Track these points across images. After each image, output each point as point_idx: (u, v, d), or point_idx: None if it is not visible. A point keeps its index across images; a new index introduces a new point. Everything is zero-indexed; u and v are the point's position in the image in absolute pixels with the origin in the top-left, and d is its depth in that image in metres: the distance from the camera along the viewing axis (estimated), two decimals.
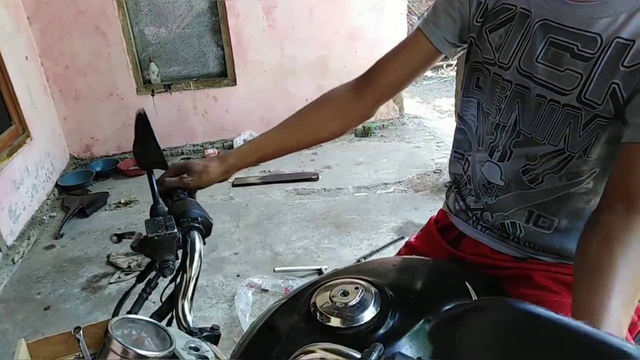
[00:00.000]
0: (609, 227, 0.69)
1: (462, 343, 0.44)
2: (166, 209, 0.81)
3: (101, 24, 3.82)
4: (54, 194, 3.59)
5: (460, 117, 1.00)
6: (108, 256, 2.80)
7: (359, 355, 0.49)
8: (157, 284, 0.75)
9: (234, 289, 2.44)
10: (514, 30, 0.82)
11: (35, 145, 3.43)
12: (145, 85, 4.12)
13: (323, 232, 3.00)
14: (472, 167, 0.97)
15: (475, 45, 0.90)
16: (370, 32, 4.37)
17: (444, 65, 6.99)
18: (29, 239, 2.99)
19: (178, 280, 0.78)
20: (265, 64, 4.25)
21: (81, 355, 2.19)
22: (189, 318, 0.74)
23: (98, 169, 3.95)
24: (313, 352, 0.55)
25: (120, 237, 0.77)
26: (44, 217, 3.28)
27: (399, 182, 3.62)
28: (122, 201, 3.48)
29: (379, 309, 0.71)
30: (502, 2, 0.85)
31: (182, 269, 0.77)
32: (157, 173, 0.85)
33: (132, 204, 3.47)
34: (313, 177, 3.75)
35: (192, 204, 0.84)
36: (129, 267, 2.67)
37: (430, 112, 5.47)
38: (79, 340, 2.13)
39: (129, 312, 0.68)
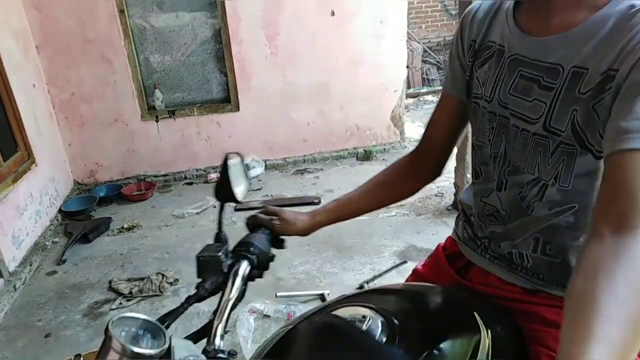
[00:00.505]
0: (595, 257, 0.62)
1: None
2: (227, 239, 0.88)
3: (107, 53, 3.91)
4: (57, 220, 3.60)
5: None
6: (110, 282, 2.79)
7: None
8: (193, 302, 0.77)
9: (235, 315, 2.43)
10: (493, 65, 0.88)
11: (40, 171, 3.47)
12: (150, 111, 4.18)
13: (325, 257, 2.99)
14: (476, 199, 1.00)
15: (469, 82, 0.95)
16: (371, 57, 4.45)
17: None
18: (31, 265, 2.99)
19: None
20: (268, 90, 4.32)
21: None
22: (217, 340, 0.75)
23: (102, 194, 3.97)
24: None
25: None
26: (47, 243, 3.29)
27: (401, 205, 3.62)
28: (125, 226, 3.49)
29: (386, 338, 0.71)
30: (486, 40, 0.90)
31: (222, 294, 0.79)
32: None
33: (135, 229, 3.47)
34: (315, 200, 3.72)
35: (259, 238, 0.91)
36: (130, 292, 2.66)
37: None
38: None
39: (163, 322, 0.70)
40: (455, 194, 3.51)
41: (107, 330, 0.60)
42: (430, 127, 1.06)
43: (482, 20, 0.91)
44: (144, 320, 0.65)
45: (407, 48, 4.85)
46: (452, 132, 1.05)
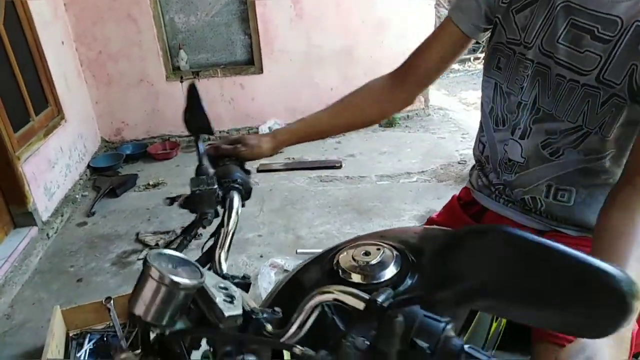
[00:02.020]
0: (630, 200, 0.71)
1: (462, 269, 0.47)
2: (211, 170, 0.87)
3: (133, 11, 3.92)
4: (86, 175, 3.72)
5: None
6: (137, 234, 2.89)
7: (367, 297, 0.53)
8: (196, 233, 0.80)
9: (257, 268, 2.50)
10: (538, 11, 0.85)
11: (69, 127, 3.56)
12: (175, 72, 4.21)
13: (345, 218, 3.03)
14: (490, 147, 1.00)
15: (500, 25, 0.92)
16: (397, 22, 4.36)
17: (472, 58, 6.90)
18: (62, 216, 3.12)
19: (217, 235, 0.84)
20: (292, 53, 4.29)
21: (111, 324, 2.28)
22: (224, 266, 0.79)
23: (128, 152, 4.07)
24: (329, 292, 0.59)
25: (172, 200, 0.84)
26: (77, 196, 3.41)
27: (423, 171, 3.62)
28: (151, 183, 3.58)
29: (399, 269, 0.74)
30: None
31: (221, 224, 0.82)
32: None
33: (160, 185, 3.56)
34: (336, 164, 3.78)
35: (235, 169, 0.90)
36: (156, 244, 2.76)
37: (456, 104, 5.42)
38: (109, 309, 2.22)
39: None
40: (470, 175, 3.47)
41: (145, 261, 0.64)
42: (420, 51, 1.02)
43: None
44: (179, 257, 0.69)
45: (435, 15, 4.73)
46: (441, 62, 1.01)
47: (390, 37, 4.38)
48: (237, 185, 0.86)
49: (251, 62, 4.34)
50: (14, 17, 3.02)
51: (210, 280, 0.72)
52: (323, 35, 4.27)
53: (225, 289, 0.73)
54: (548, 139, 0.88)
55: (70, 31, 3.86)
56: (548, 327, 0.51)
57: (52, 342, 1.86)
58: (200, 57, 4.29)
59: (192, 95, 0.87)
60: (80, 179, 3.61)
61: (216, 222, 0.85)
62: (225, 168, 0.90)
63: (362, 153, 4.01)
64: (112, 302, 2.06)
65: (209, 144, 0.95)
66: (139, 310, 0.65)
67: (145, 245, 2.78)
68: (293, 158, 3.92)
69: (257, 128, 4.37)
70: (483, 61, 0.99)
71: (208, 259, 0.82)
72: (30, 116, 3.07)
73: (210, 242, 0.81)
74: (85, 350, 1.98)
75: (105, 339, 2.03)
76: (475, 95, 5.54)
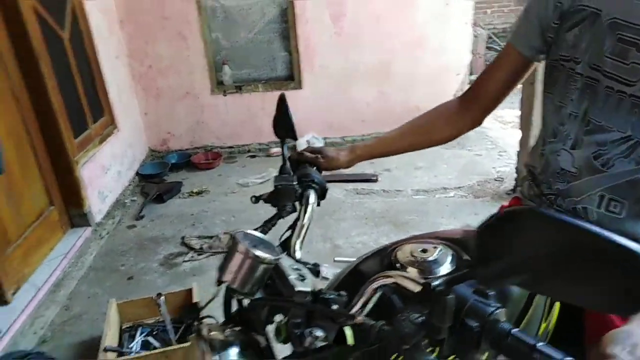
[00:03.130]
0: None
1: (498, 251, 0.50)
2: (291, 171, 0.99)
3: (183, 30, 4.16)
4: (134, 181, 3.93)
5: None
6: (183, 238, 3.04)
7: (423, 281, 0.60)
8: (275, 223, 0.91)
9: None
10: (586, 28, 0.91)
11: (121, 136, 3.78)
12: (219, 86, 4.42)
13: (381, 230, 3.09)
14: (545, 158, 1.05)
15: (553, 44, 0.99)
16: (434, 40, 4.44)
17: None
18: (113, 218, 3.31)
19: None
20: (330, 69, 4.43)
21: (160, 319, 2.43)
22: (298, 254, 0.89)
23: (173, 161, 4.27)
24: (389, 276, 0.67)
25: (257, 198, 0.95)
26: (126, 201, 3.61)
27: (459, 187, 3.65)
28: (195, 191, 3.75)
29: (454, 267, 0.79)
30: (577, 4, 0.93)
31: (298, 217, 0.92)
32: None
33: (204, 193, 3.73)
34: (372, 178, 3.81)
35: (314, 171, 1.02)
36: (200, 248, 2.90)
37: (493, 122, 5.41)
38: (159, 305, 2.36)
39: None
40: (516, 179, 3.49)
41: (234, 237, 0.74)
42: (485, 75, 1.10)
43: None
44: (261, 238, 0.79)
45: (472, 33, 4.79)
46: (505, 86, 1.08)
47: (427, 54, 4.47)
48: (314, 185, 0.97)
49: (291, 78, 4.50)
50: (77, 32, 3.27)
51: (286, 261, 0.82)
52: (361, 51, 4.40)
53: (298, 270, 0.82)
54: (599, 150, 0.92)
55: (124, 47, 4.12)
56: (583, 304, 0.53)
57: (109, 332, 1.99)
58: (243, 73, 4.49)
59: (282, 105, 1.01)
60: (130, 184, 3.82)
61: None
62: (305, 170, 1.01)
63: (397, 168, 4.07)
64: (162, 298, 2.20)
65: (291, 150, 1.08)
66: (227, 278, 0.75)
67: (190, 248, 2.92)
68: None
69: (295, 142, 4.49)
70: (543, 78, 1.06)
71: (284, 247, 0.92)
72: (88, 124, 3.29)
73: (287, 234, 0.91)
74: (137, 342, 2.10)
75: (155, 332, 2.15)
76: (512, 114, 5.51)
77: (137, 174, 4.01)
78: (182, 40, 4.20)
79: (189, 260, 2.81)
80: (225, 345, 0.71)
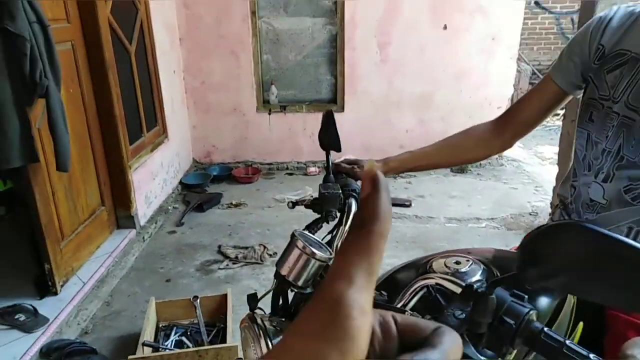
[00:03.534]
0: None
1: (544, 256, 0.57)
2: (334, 180, 1.10)
3: (236, 49, 4.40)
4: (178, 189, 4.14)
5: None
6: (219, 246, 3.19)
7: (464, 283, 0.69)
8: (320, 227, 1.01)
9: None
10: (626, 71, 0.98)
11: (170, 146, 4.01)
12: (265, 104, 4.62)
13: (411, 254, 3.12)
14: (577, 190, 1.11)
15: (592, 83, 1.06)
16: (478, 73, 4.51)
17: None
18: (156, 223, 3.50)
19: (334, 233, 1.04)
20: (373, 95, 4.56)
21: (195, 320, 2.58)
22: None
23: (215, 173, 4.47)
24: (432, 278, 0.75)
25: (294, 204, 1.06)
26: (169, 207, 3.81)
27: (492, 219, 3.65)
28: (234, 203, 3.92)
29: (485, 278, 0.87)
30: (617, 47, 1.01)
31: (339, 223, 1.02)
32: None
33: (242, 206, 3.89)
34: (406, 203, 3.90)
35: (353, 183, 1.13)
36: (236, 257, 3.03)
37: (530, 157, 5.37)
38: (195, 307, 2.52)
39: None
40: (551, 214, 3.46)
41: (293, 235, 0.85)
42: (521, 102, 1.18)
43: (617, 28, 1.01)
44: (316, 239, 0.88)
45: (517, 68, 4.82)
46: (538, 114, 1.16)
47: (470, 86, 4.53)
48: (354, 194, 1.07)
49: (334, 101, 4.65)
50: (142, 47, 3.54)
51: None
52: (404, 79, 4.51)
53: None
54: (630, 184, 0.98)
55: (181, 62, 4.39)
56: (615, 304, 0.60)
57: (147, 328, 2.13)
58: (288, 93, 4.68)
59: (329, 119, 1.11)
60: (173, 192, 4.03)
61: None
62: (345, 180, 1.12)
63: (432, 195, 4.12)
64: (198, 300, 2.33)
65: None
66: (284, 271, 0.85)
67: (226, 257, 3.05)
68: None
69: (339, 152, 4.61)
70: (577, 114, 1.13)
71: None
72: (142, 132, 3.52)
73: (328, 238, 1.01)
74: (172, 340, 2.23)
75: (189, 332, 2.28)
76: (551, 150, 5.46)
77: (181, 182, 4.22)
78: (234, 59, 4.43)
79: (224, 268, 2.94)
80: (274, 332, 0.80)
